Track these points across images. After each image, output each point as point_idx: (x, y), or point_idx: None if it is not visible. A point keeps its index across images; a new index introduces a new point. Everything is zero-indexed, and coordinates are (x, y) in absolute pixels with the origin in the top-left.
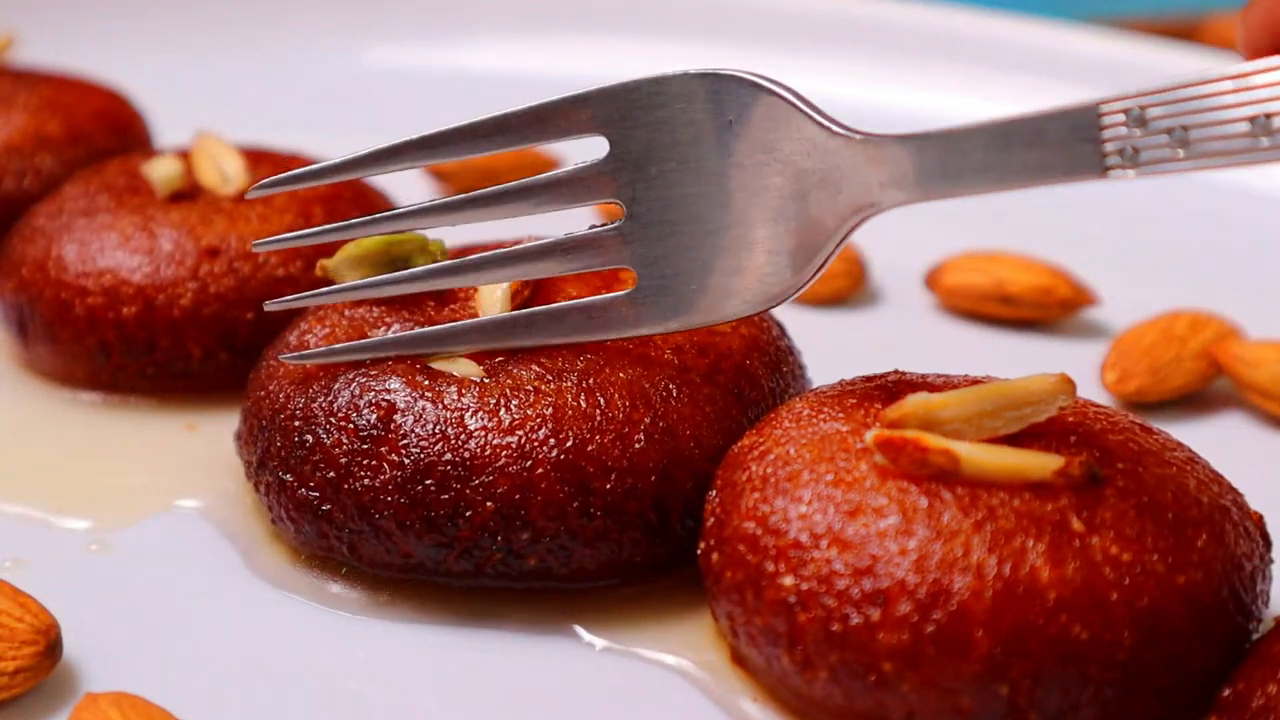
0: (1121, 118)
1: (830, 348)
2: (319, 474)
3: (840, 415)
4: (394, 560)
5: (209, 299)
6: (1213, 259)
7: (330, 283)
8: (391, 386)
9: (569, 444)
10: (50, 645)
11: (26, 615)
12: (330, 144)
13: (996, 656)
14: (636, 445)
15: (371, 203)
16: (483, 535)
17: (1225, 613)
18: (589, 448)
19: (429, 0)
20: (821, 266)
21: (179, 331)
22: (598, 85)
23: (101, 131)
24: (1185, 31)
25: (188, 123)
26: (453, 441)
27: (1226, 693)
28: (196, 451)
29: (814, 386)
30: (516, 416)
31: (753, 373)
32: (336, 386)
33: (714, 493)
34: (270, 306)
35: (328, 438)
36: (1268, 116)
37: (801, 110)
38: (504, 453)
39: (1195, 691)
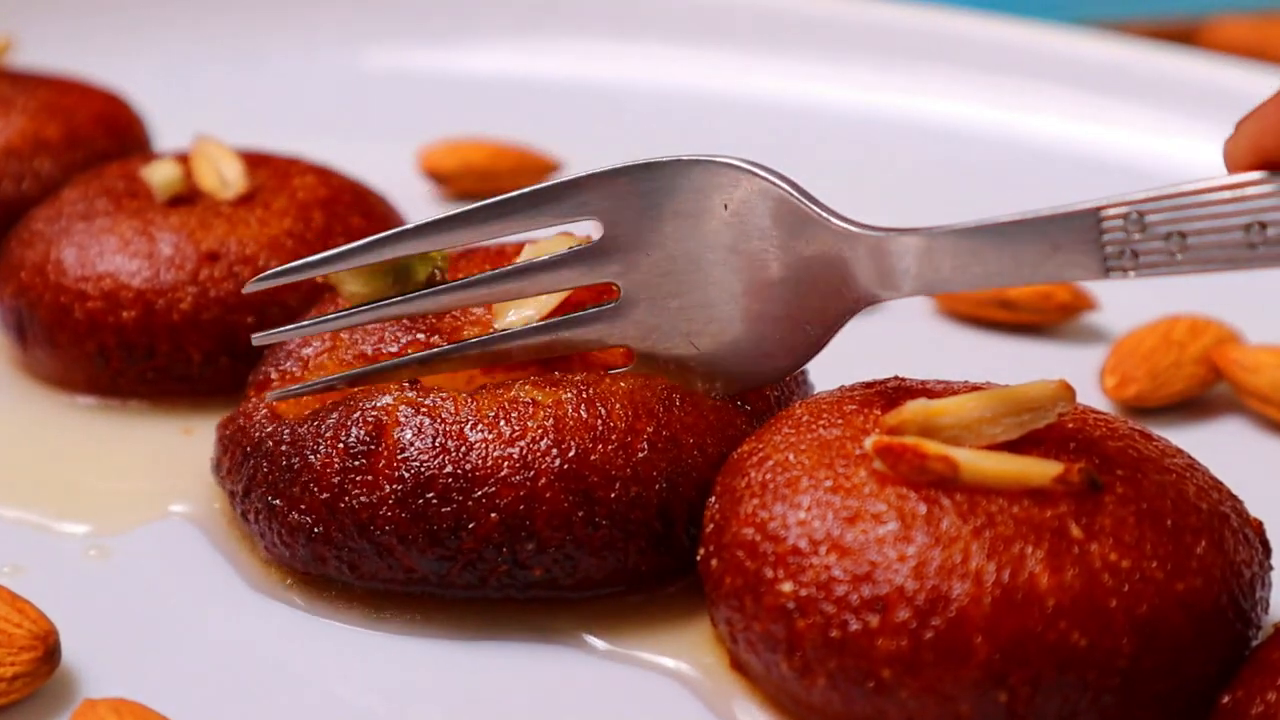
0: (1121, 221)
1: (829, 352)
2: (310, 496)
3: (839, 421)
4: (396, 576)
5: (209, 303)
6: None
7: (331, 288)
8: (380, 403)
9: (572, 453)
10: (49, 651)
11: (25, 621)
12: (329, 147)
13: (995, 663)
14: (640, 454)
15: (371, 205)
16: (487, 547)
17: (1224, 620)
18: (592, 457)
19: (428, 3)
20: (814, 354)
21: (178, 336)
22: (590, 168)
23: (100, 135)
24: (1184, 35)
25: (187, 126)
26: (453, 454)
27: (1225, 700)
28: (196, 456)
29: (814, 391)
30: (516, 428)
31: None
32: (322, 408)
33: (713, 499)
34: (257, 340)
35: (317, 458)
36: (1262, 225)
37: (800, 201)
38: (506, 464)
39: (1194, 699)
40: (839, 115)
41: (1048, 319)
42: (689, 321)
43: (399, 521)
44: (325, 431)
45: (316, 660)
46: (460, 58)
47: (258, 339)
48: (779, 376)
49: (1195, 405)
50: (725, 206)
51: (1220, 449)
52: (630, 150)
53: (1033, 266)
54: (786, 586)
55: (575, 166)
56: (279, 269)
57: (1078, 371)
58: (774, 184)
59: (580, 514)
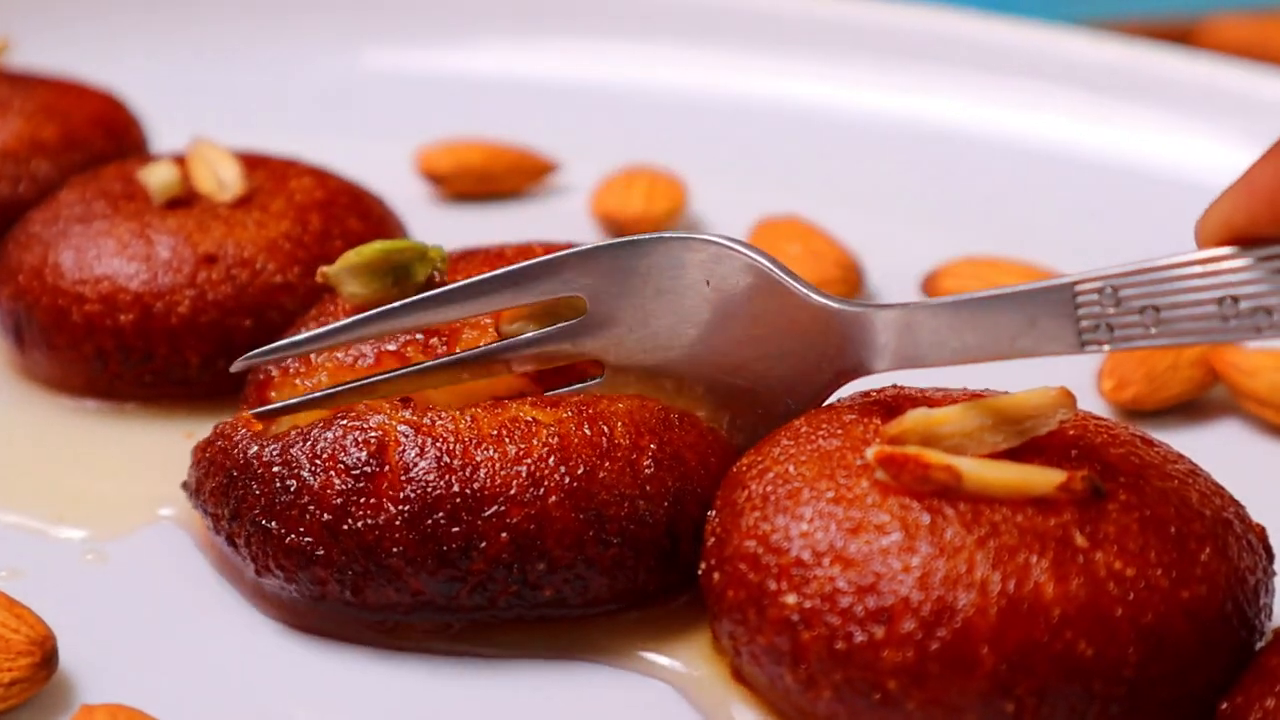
0: (1095, 296)
1: None
2: (310, 519)
3: (839, 432)
4: (402, 600)
5: (206, 306)
6: None
7: (330, 290)
8: (375, 421)
9: (580, 471)
10: (46, 657)
11: (22, 626)
12: (326, 148)
13: (1001, 673)
14: (647, 470)
15: (368, 207)
16: (497, 568)
17: (1229, 627)
18: (600, 474)
19: (426, 4)
20: (800, 414)
21: (176, 339)
22: (575, 247)
23: (98, 136)
24: (1180, 34)
25: (184, 128)
26: (459, 473)
27: (1224, 706)
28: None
29: None
30: (521, 446)
31: None
32: (313, 429)
33: (714, 512)
34: (236, 367)
35: (315, 480)
36: (1234, 299)
37: (781, 279)
38: (514, 482)
39: (1199, 706)
40: (837, 116)
41: None
42: (671, 394)
43: (407, 543)
44: (321, 452)
45: (315, 666)
46: (458, 58)
47: (237, 365)
48: (752, 444)
49: (1192, 408)
50: (707, 283)
51: (1218, 452)
52: (628, 151)
53: (1009, 340)
54: (790, 599)
55: (573, 167)
56: (262, 350)
57: (1074, 374)
58: (754, 261)
59: (591, 533)
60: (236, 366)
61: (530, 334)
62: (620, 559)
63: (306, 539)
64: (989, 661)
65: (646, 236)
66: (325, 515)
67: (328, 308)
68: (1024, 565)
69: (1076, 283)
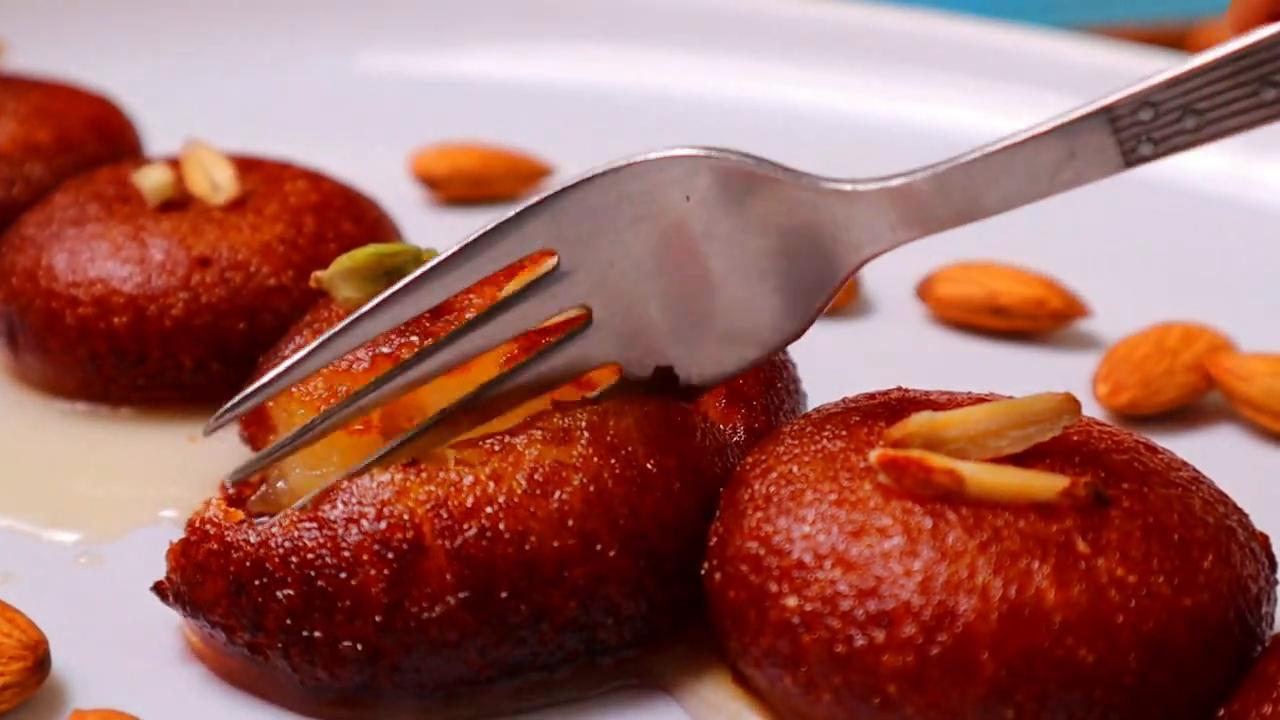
0: (1132, 112)
1: (822, 359)
2: (359, 620)
3: (843, 433)
4: (465, 677)
5: (200, 309)
6: (1205, 271)
7: (325, 294)
8: (389, 494)
9: (627, 513)
10: (38, 661)
11: (14, 630)
12: (320, 152)
13: (1002, 679)
14: (676, 491)
15: (363, 210)
16: (566, 633)
17: (1231, 635)
18: (643, 511)
19: (420, 7)
20: (820, 310)
21: (170, 342)
22: (532, 197)
23: (92, 139)
24: (1174, 39)
25: (178, 129)
26: (510, 542)
27: (1221, 713)
28: (187, 463)
29: (809, 399)
30: (561, 498)
31: (746, 392)
32: (334, 517)
33: (716, 512)
34: (208, 431)
35: (354, 576)
36: (1272, 81)
37: (770, 173)
38: (570, 540)
39: (1200, 714)
40: (831, 120)
41: (1040, 326)
42: (673, 320)
43: (472, 628)
44: (347, 540)
45: None
46: (452, 62)
47: (208, 431)
48: (785, 343)
49: (1188, 413)
50: (687, 198)
51: (1213, 457)
52: (623, 154)
53: (1050, 177)
54: (791, 601)
55: (567, 171)
56: (232, 403)
57: (1070, 379)
58: (735, 162)
59: (650, 576)
60: (208, 430)
61: (509, 293)
62: (679, 593)
63: (359, 644)
64: (989, 667)
65: (605, 169)
66: (377, 615)
67: (322, 313)
68: (1026, 571)
69: (1110, 105)
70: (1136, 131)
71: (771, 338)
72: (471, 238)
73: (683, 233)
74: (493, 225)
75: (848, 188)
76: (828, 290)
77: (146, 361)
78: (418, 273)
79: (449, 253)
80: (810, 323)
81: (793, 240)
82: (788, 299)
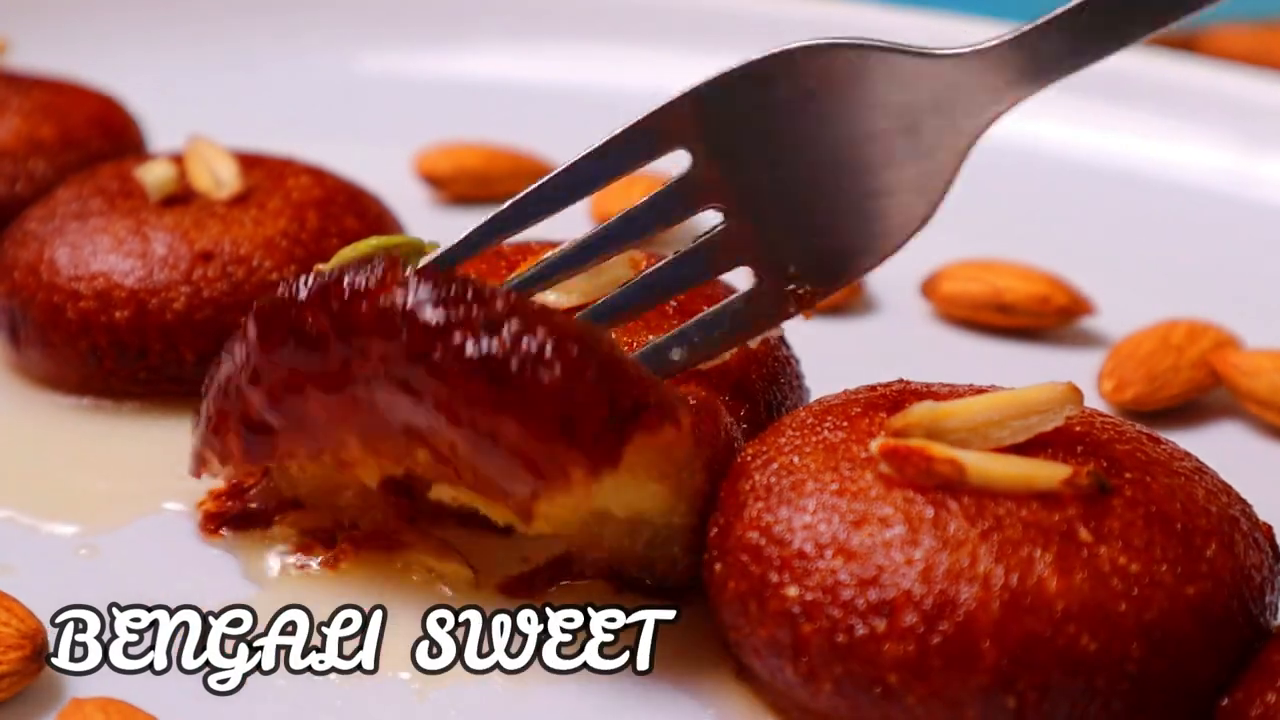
0: None
1: (827, 356)
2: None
3: (844, 424)
4: None
5: (202, 303)
6: (1211, 268)
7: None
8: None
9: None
10: (37, 650)
11: (13, 620)
12: (324, 150)
13: (1003, 668)
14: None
15: (366, 206)
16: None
17: (1234, 625)
18: None
19: (422, 6)
20: (948, 186)
21: (172, 336)
22: (658, 101)
23: (95, 136)
24: (1184, 43)
25: (181, 127)
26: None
27: (1225, 702)
28: (187, 456)
29: (812, 396)
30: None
31: (749, 387)
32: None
33: (719, 501)
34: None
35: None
36: None
37: (883, 51)
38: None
39: (1202, 704)
40: None
41: (1045, 323)
42: (808, 215)
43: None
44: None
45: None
46: (456, 61)
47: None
48: (921, 225)
49: (1193, 409)
50: (813, 90)
51: (1218, 452)
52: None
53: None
54: (792, 591)
55: None
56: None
57: (1075, 375)
58: (847, 47)
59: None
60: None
61: (648, 199)
62: None
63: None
64: (991, 656)
65: (726, 70)
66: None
67: None
68: (1027, 559)
69: None
70: None
71: (904, 221)
72: (609, 136)
73: (806, 126)
74: (628, 125)
75: (963, 49)
76: (955, 164)
77: (148, 355)
78: (555, 172)
79: (587, 151)
80: (938, 205)
81: (914, 118)
82: (917, 177)
